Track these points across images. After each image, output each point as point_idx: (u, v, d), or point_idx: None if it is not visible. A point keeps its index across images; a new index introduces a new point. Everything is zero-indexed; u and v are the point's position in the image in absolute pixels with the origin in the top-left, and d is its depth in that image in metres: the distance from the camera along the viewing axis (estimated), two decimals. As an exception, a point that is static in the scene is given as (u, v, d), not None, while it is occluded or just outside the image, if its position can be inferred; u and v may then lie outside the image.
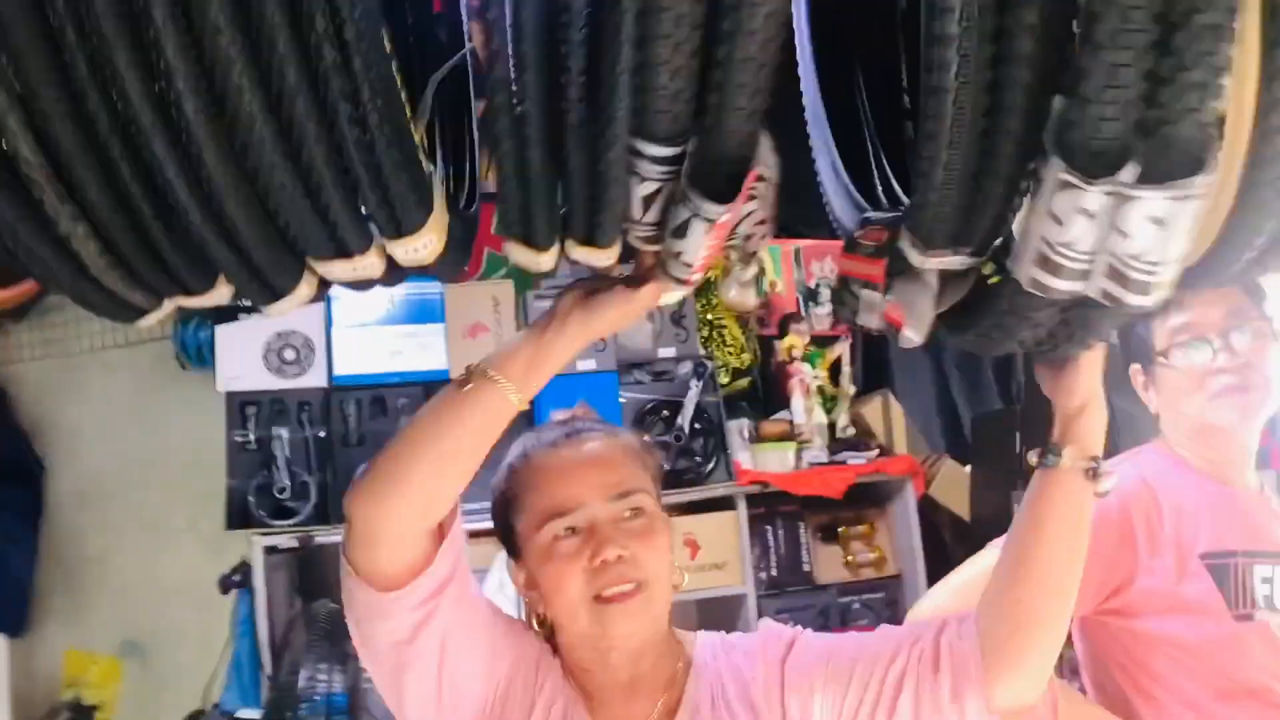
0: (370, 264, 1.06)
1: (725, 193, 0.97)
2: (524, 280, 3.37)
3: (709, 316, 3.53)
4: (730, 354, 3.53)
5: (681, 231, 1.01)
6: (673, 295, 1.16)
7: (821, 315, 3.67)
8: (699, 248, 1.02)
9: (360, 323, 3.22)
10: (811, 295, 3.73)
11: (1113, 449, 1.38)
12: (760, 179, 0.99)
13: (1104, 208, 0.81)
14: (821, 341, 3.59)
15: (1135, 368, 1.87)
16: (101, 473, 4.05)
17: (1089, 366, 1.24)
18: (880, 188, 1.36)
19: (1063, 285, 0.90)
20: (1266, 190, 0.87)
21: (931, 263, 1.02)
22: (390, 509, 1.12)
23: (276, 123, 0.89)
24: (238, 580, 3.03)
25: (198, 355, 3.82)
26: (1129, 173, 0.79)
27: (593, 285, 1.18)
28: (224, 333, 3.20)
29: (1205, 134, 0.78)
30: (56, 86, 0.86)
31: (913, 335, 1.14)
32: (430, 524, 1.16)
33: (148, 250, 1.01)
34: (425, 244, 1.04)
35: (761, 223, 1.06)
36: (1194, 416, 1.79)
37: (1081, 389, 1.25)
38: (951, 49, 0.81)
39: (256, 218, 0.98)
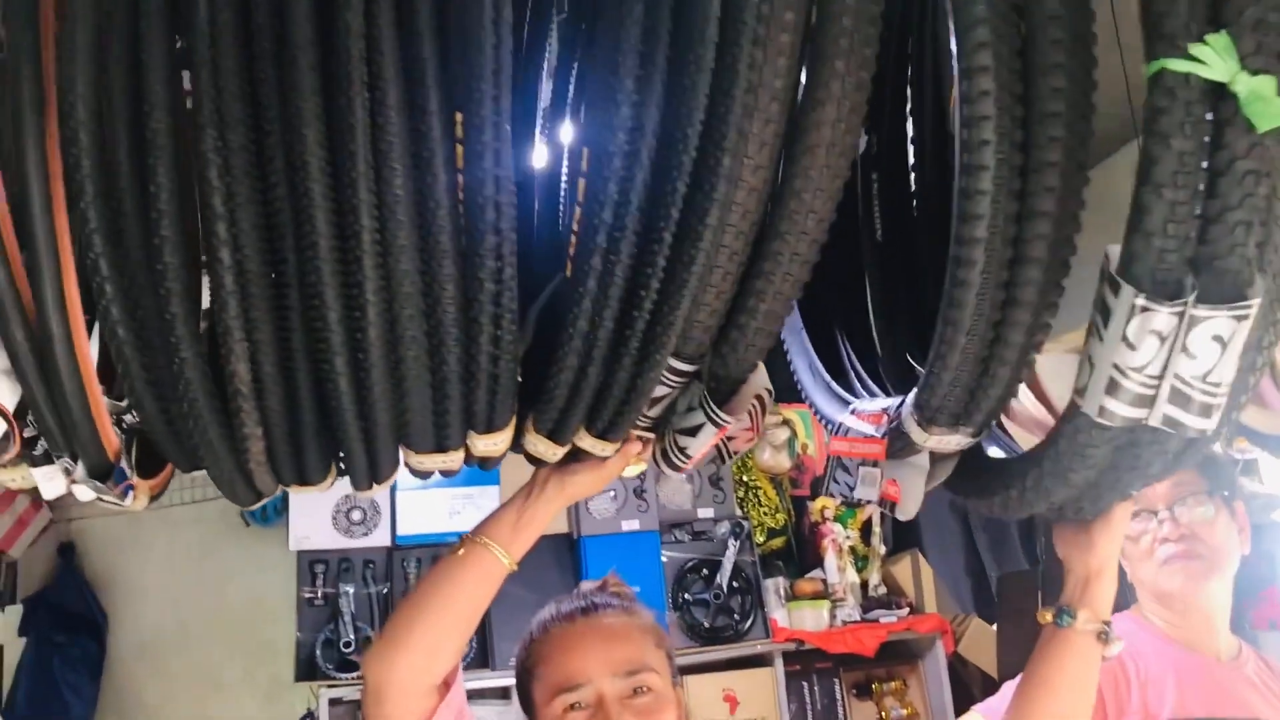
0: (456, 457, 1.21)
1: (728, 404, 1.15)
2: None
3: (745, 479, 3.69)
4: (765, 514, 3.67)
5: (693, 432, 1.17)
6: (635, 468, 1.30)
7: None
8: (703, 445, 1.19)
9: (422, 485, 3.34)
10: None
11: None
12: (758, 397, 1.17)
13: (1172, 329, 0.88)
14: (852, 503, 3.70)
15: None
16: (162, 625, 4.20)
17: (1111, 527, 1.30)
18: (855, 379, 1.55)
19: (1129, 412, 0.94)
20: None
21: (932, 441, 1.15)
22: (396, 665, 1.20)
23: (429, 343, 1.07)
24: (304, 730, 3.13)
25: (262, 513, 4.01)
26: (1192, 296, 0.87)
27: None
28: (297, 497, 3.33)
29: (1250, 266, 0.87)
30: (274, 322, 1.04)
31: (905, 513, 1.29)
32: (434, 679, 1.23)
33: (296, 451, 1.17)
34: (504, 439, 1.20)
35: (748, 429, 1.22)
36: (1149, 583, 1.87)
37: (1100, 550, 1.30)
38: (979, 249, 0.96)
39: (392, 422, 1.14)
